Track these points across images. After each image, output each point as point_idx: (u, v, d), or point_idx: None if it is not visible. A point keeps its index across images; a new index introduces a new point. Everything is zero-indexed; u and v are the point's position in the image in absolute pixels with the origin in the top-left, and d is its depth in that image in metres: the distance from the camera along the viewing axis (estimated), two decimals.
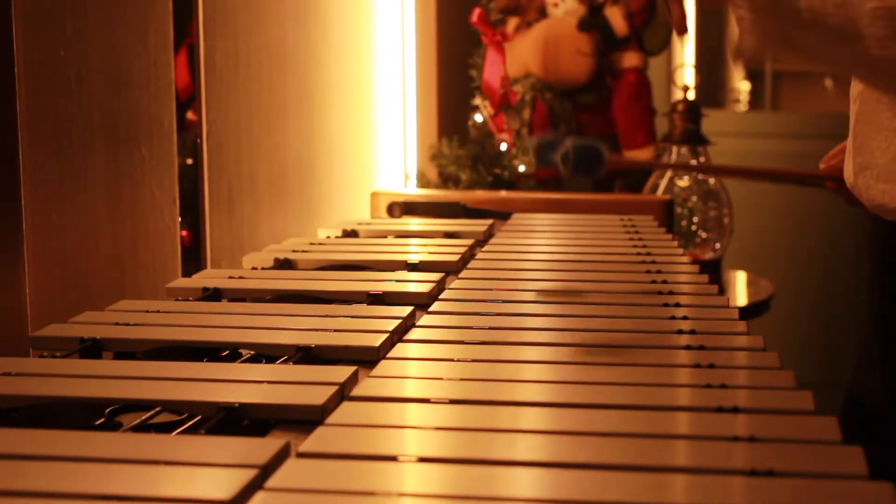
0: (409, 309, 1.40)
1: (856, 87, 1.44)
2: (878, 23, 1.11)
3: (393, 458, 0.90)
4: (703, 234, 3.08)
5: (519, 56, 3.08)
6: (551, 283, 1.62)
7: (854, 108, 1.45)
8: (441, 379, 1.13)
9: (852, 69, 1.30)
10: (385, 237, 2.11)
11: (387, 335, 1.28)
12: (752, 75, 6.94)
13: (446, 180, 3.08)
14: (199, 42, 1.97)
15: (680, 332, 1.30)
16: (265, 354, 1.26)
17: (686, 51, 5.47)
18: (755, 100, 6.90)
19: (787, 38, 1.22)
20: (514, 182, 3.04)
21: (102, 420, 1.05)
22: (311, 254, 1.85)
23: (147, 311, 1.40)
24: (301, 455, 0.90)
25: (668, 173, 3.01)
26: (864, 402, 1.57)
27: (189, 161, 1.95)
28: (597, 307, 1.46)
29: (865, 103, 1.41)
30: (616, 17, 3.04)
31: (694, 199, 3.03)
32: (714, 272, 3.02)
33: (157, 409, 1.05)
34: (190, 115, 1.99)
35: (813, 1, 1.16)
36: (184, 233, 1.89)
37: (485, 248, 1.94)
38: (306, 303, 1.49)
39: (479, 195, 2.74)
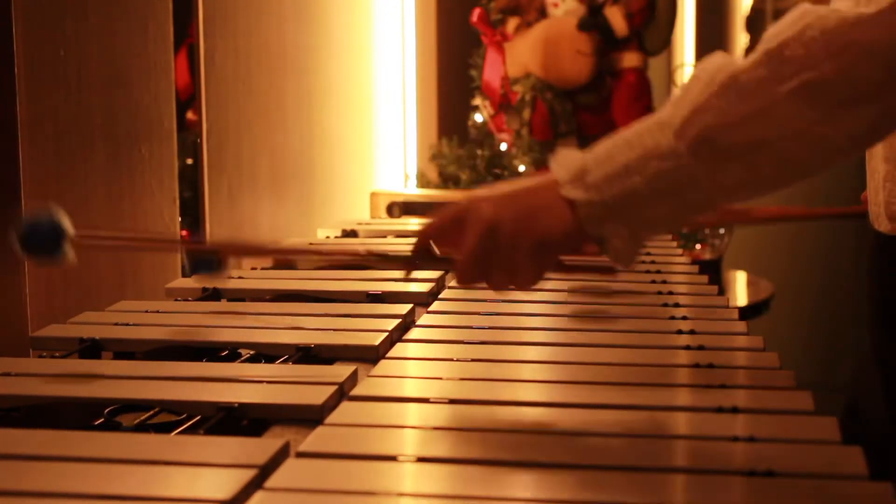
0: (408, 307, 1.40)
1: None
2: (800, 103, 0.97)
3: (392, 458, 0.90)
4: (704, 234, 3.08)
5: (519, 56, 3.07)
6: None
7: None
8: (441, 379, 1.13)
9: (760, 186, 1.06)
10: (385, 237, 2.11)
11: (386, 334, 1.28)
12: None
13: (446, 180, 3.08)
14: (199, 42, 1.97)
15: (680, 332, 1.30)
16: (265, 354, 1.26)
17: (686, 51, 5.47)
18: None
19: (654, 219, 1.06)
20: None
21: (102, 420, 1.05)
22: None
23: (147, 311, 1.40)
24: (300, 455, 0.90)
25: None
26: (865, 404, 1.56)
27: (189, 161, 1.95)
28: (597, 307, 1.46)
29: None
30: (616, 17, 3.03)
31: None
32: (714, 272, 3.02)
33: (157, 409, 1.05)
34: (190, 115, 1.99)
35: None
36: (184, 233, 1.89)
37: None
38: (306, 302, 1.49)
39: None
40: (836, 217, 2.01)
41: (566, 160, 1.04)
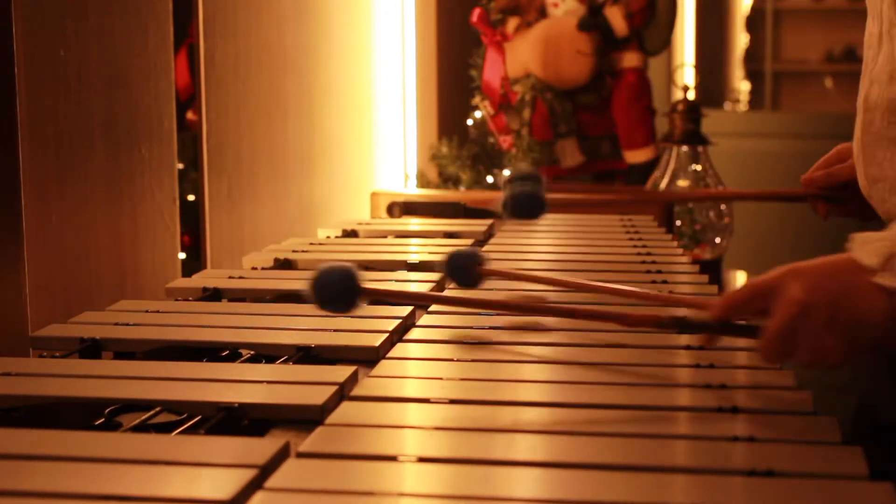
0: (408, 309, 1.40)
1: (860, 96, 1.42)
2: None
3: (393, 458, 0.90)
4: (703, 234, 3.08)
5: (519, 56, 3.07)
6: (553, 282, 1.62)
7: (859, 118, 1.43)
8: (441, 379, 1.13)
9: None
10: (385, 237, 2.11)
11: (386, 335, 1.28)
12: (752, 75, 6.94)
13: (446, 180, 3.08)
14: (199, 42, 1.97)
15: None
16: (265, 354, 1.26)
17: (686, 51, 5.47)
18: (755, 100, 6.89)
19: None
20: None
21: (102, 420, 1.05)
22: (311, 254, 1.85)
23: (147, 311, 1.40)
24: (301, 455, 0.90)
25: (668, 173, 3.01)
26: (875, 409, 1.56)
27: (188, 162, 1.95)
28: (597, 307, 1.46)
29: (869, 112, 1.39)
30: (616, 17, 3.03)
31: None
32: (714, 272, 3.02)
33: (157, 409, 1.05)
34: (190, 115, 1.99)
35: None
36: (185, 238, 1.89)
37: (485, 248, 1.93)
38: (306, 303, 1.49)
39: (479, 195, 2.74)
40: (778, 199, 2.07)
41: (871, 245, 1.06)
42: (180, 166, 1.87)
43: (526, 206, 1.58)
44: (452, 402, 1.04)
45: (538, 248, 1.95)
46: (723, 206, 3.05)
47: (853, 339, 1.05)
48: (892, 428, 1.53)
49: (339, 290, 1.20)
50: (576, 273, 1.68)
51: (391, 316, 1.36)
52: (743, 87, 6.87)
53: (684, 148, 3.03)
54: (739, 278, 3.44)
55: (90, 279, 1.62)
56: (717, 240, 3.10)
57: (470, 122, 3.16)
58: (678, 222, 2.96)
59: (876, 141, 1.38)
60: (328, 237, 2.10)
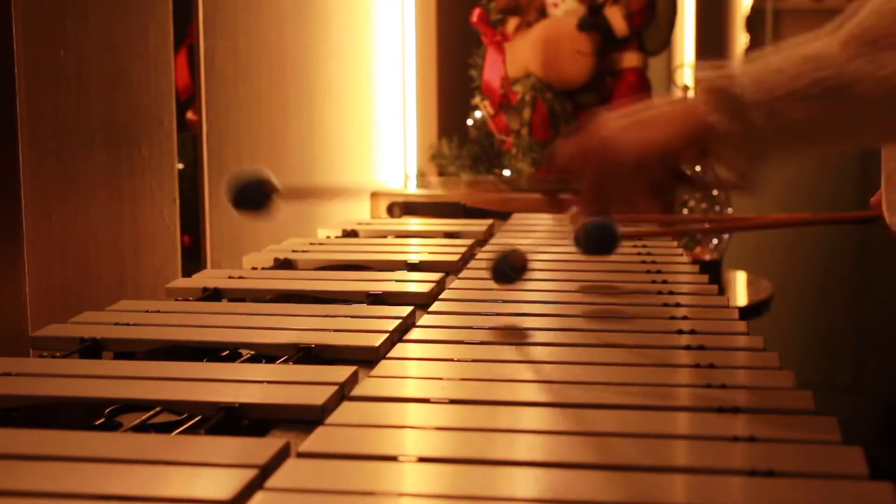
0: (409, 309, 1.40)
1: None
2: None
3: (393, 458, 0.90)
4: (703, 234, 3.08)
5: (519, 56, 3.07)
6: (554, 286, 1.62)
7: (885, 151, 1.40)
8: (441, 379, 1.13)
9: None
10: (385, 237, 2.11)
11: (387, 335, 1.28)
12: None
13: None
14: (199, 42, 1.97)
15: (680, 332, 1.30)
16: (265, 354, 1.26)
17: (686, 51, 5.47)
18: None
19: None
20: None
21: (102, 420, 1.05)
22: (311, 254, 1.85)
23: (147, 311, 1.40)
24: (301, 455, 0.90)
25: None
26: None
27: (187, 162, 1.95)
28: (597, 307, 1.46)
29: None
30: (616, 17, 3.03)
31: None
32: (714, 272, 3.02)
33: (157, 409, 1.05)
34: (190, 115, 1.99)
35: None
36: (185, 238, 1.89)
37: (485, 248, 1.93)
38: (306, 303, 1.49)
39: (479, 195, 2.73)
40: (844, 222, 1.98)
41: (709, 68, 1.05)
42: (180, 166, 1.87)
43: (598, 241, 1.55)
44: (452, 402, 1.04)
45: (538, 247, 1.94)
46: (730, 209, 3.04)
47: (646, 171, 1.05)
48: None
49: (253, 191, 1.27)
50: (575, 273, 1.68)
51: (391, 316, 1.36)
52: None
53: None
54: (739, 278, 3.45)
55: (90, 279, 1.62)
56: (717, 240, 3.10)
57: (470, 122, 3.16)
58: None
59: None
60: (328, 237, 2.10)
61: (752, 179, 1.05)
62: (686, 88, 3.08)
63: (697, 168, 1.12)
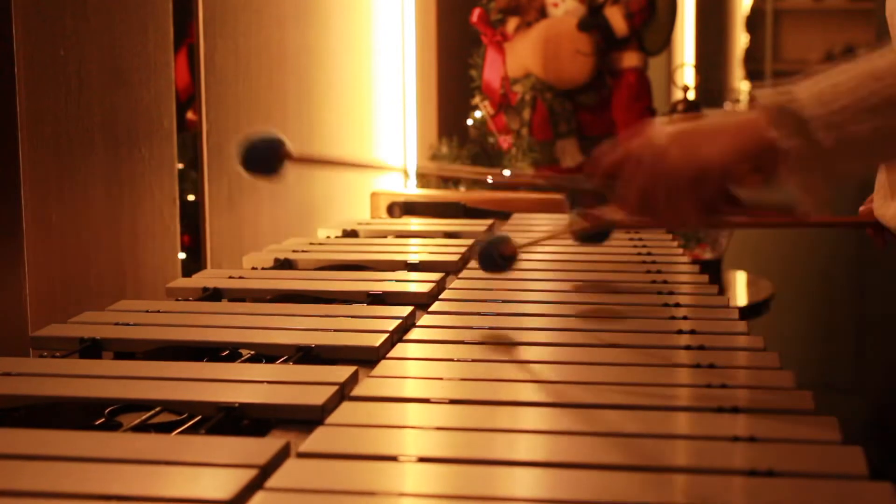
0: (409, 309, 1.40)
1: None
2: None
3: (393, 458, 0.90)
4: (704, 234, 3.08)
5: (519, 56, 3.07)
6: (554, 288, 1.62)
7: None
8: (441, 379, 1.13)
9: None
10: (385, 237, 2.11)
11: (387, 335, 1.28)
12: (752, 75, 6.94)
13: (446, 180, 3.08)
14: (199, 42, 1.97)
15: (680, 332, 1.30)
16: (265, 354, 1.26)
17: (686, 51, 5.47)
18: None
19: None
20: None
21: (102, 420, 1.05)
22: (311, 254, 1.85)
23: (147, 311, 1.40)
24: (301, 455, 0.90)
25: None
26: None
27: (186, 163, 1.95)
28: (597, 307, 1.46)
29: None
30: (616, 17, 3.03)
31: None
32: (714, 272, 3.02)
33: (157, 409, 1.05)
34: (190, 115, 1.99)
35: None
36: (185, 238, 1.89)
37: None
38: (306, 303, 1.49)
39: (479, 195, 2.74)
40: (842, 226, 1.98)
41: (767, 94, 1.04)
42: (180, 166, 1.87)
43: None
44: (452, 402, 1.04)
45: (538, 247, 1.94)
46: None
47: (700, 189, 1.04)
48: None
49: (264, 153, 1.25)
50: (575, 273, 1.68)
51: (391, 316, 1.36)
52: (743, 87, 6.86)
53: None
54: (739, 278, 3.45)
55: (90, 279, 1.62)
56: (717, 240, 3.10)
57: (470, 122, 3.16)
58: None
59: None
60: (328, 237, 2.10)
61: (816, 196, 1.04)
62: (686, 89, 3.08)
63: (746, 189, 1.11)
